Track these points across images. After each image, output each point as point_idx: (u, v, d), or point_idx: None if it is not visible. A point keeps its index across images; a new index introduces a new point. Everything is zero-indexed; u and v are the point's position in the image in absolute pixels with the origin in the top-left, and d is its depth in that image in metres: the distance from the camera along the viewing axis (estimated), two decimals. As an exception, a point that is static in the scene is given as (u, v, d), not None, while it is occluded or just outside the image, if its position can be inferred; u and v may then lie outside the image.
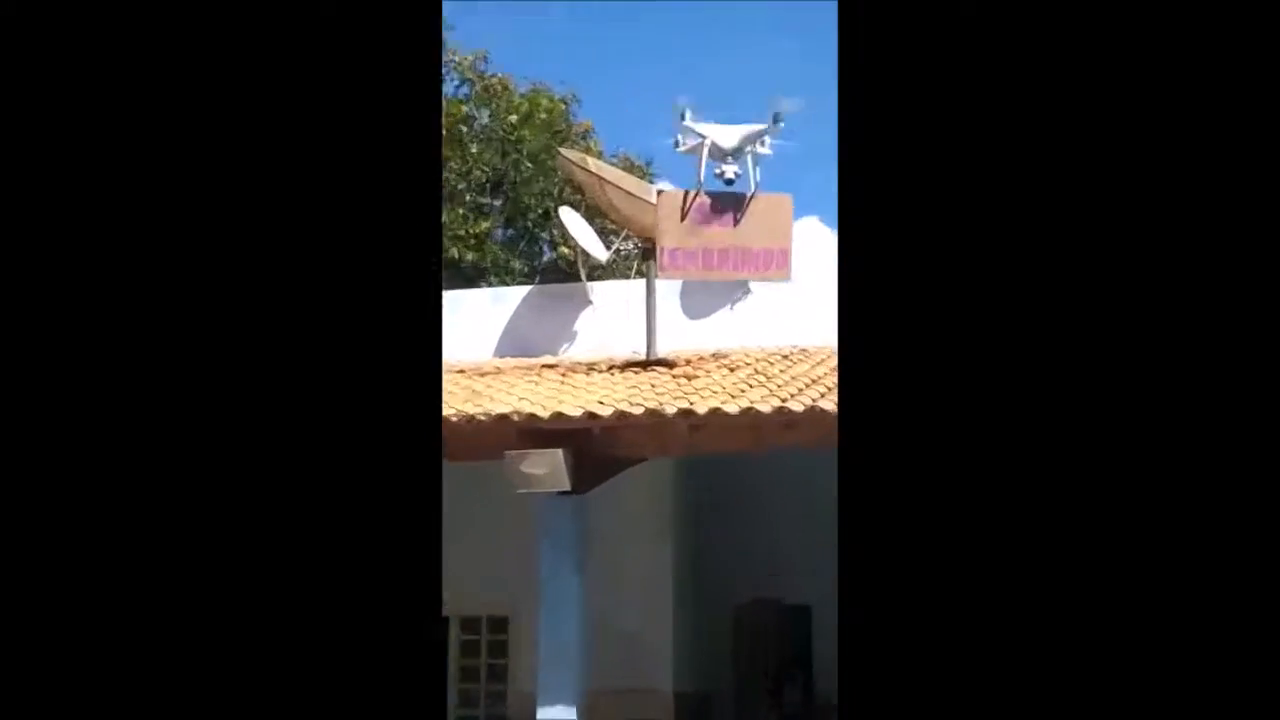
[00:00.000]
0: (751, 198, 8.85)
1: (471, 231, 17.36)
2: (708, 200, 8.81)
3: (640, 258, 10.02)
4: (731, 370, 8.64)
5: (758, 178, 8.86)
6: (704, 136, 8.85)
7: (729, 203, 8.88)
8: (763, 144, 8.88)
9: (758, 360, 9.00)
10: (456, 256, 16.55)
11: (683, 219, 8.72)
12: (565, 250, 16.91)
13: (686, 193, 8.81)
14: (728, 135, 8.91)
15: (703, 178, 8.79)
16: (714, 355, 9.31)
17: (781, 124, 8.87)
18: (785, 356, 9.25)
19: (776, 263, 8.86)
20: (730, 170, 8.79)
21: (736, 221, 8.82)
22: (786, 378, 8.13)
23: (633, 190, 9.89)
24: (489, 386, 8.18)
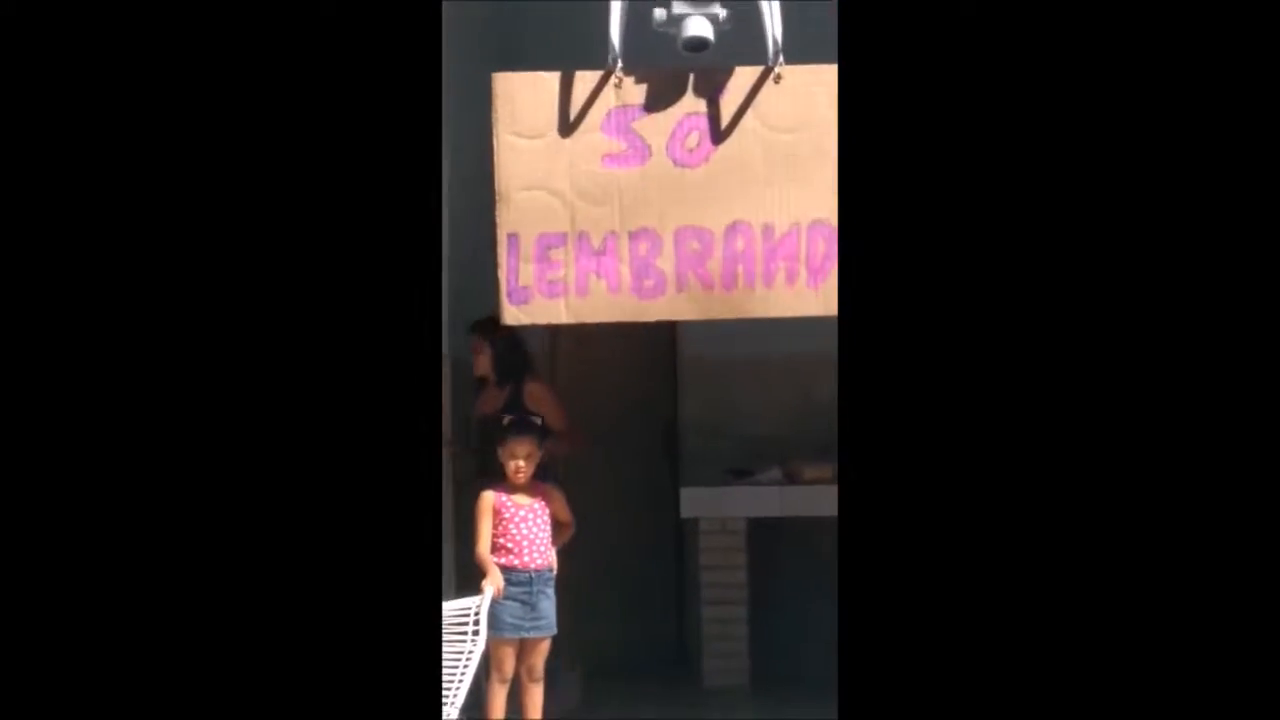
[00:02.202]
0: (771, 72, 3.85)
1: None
2: (648, 82, 3.78)
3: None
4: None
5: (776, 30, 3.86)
6: None
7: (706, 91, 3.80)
8: None
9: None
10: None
11: (571, 127, 3.73)
12: None
13: (568, 77, 3.79)
14: None
15: (617, 30, 3.75)
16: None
17: None
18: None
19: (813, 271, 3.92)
20: (699, 11, 3.72)
21: (718, 139, 3.78)
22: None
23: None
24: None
